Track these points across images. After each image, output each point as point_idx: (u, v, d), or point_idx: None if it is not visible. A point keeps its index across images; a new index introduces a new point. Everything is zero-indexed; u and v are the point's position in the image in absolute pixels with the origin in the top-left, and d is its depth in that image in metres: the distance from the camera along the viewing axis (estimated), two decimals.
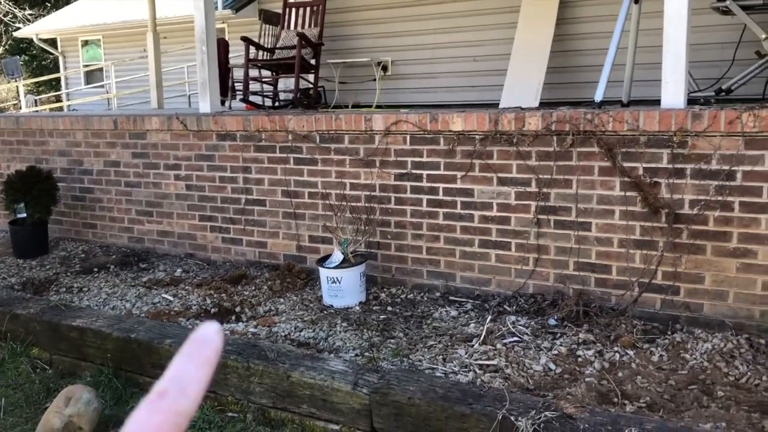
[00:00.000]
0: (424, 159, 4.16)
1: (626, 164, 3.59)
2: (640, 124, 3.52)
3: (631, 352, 3.20)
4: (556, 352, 3.24)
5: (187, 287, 4.47)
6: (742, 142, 3.31)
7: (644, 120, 3.52)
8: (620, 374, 3.00)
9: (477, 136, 3.95)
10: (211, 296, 4.25)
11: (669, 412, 2.67)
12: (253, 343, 3.28)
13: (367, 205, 4.38)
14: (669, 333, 3.41)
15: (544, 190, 3.80)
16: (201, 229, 5.12)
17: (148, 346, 3.35)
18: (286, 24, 7.34)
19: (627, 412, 2.64)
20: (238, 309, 4.04)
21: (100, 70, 17.77)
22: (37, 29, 19.00)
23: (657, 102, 3.78)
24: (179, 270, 4.87)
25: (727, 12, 4.62)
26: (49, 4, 23.63)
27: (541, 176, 3.80)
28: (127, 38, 16.89)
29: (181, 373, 0.41)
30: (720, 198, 3.39)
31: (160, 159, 5.21)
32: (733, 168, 3.34)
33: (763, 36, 4.48)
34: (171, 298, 4.27)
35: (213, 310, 4.03)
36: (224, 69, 7.18)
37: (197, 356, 0.43)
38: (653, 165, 3.53)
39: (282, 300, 4.18)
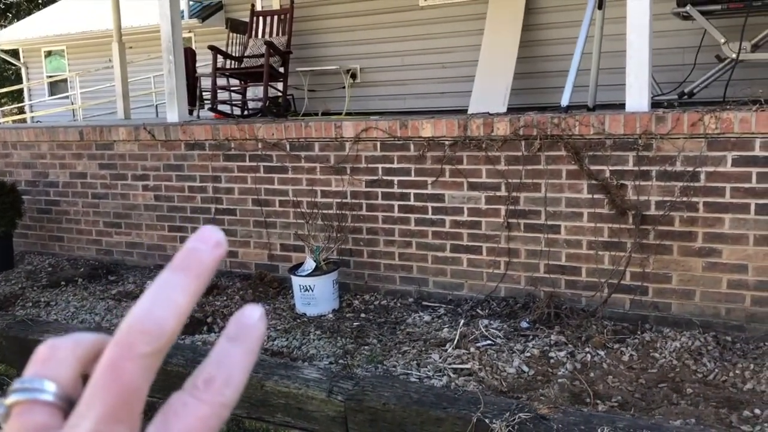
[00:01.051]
0: (395, 165, 4.18)
1: (593, 167, 3.65)
2: (606, 127, 3.58)
3: (602, 353, 3.25)
4: (528, 354, 3.27)
5: None
6: (705, 144, 3.39)
7: (610, 123, 3.58)
8: (592, 374, 3.04)
9: (447, 142, 3.98)
10: None
11: (640, 411, 2.71)
12: None
13: (338, 212, 4.38)
14: (639, 333, 3.46)
15: (514, 194, 3.84)
16: (171, 240, 5.07)
17: None
18: (253, 33, 7.32)
19: (599, 411, 2.68)
20: (209, 320, 4.00)
21: (65, 80, 17.51)
22: None
23: (622, 106, 3.86)
24: (149, 282, 4.80)
25: (687, 17, 4.73)
26: (10, 14, 23.24)
27: (510, 180, 3.84)
28: (92, 48, 16.68)
29: (227, 358, 0.35)
30: (685, 199, 3.46)
31: (128, 170, 5.14)
32: (696, 169, 3.41)
33: (723, 40, 4.60)
34: None
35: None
36: (192, 78, 7.13)
37: (243, 340, 0.37)
38: (619, 167, 3.60)
39: None
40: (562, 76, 6.06)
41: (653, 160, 3.51)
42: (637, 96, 3.73)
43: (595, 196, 3.66)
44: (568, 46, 6.05)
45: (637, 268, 3.60)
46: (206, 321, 3.98)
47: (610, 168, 3.61)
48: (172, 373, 3.14)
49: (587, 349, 3.29)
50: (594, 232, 3.69)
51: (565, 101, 4.27)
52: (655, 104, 3.92)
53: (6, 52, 18.81)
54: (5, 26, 20.72)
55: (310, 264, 4.16)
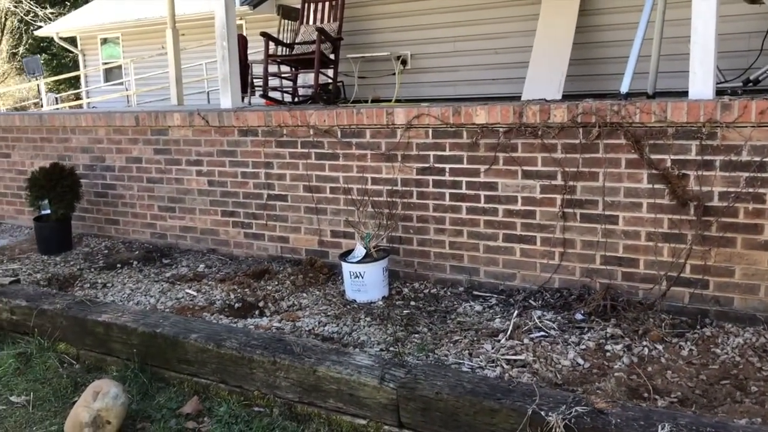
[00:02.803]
0: (447, 153, 4.13)
1: (654, 156, 3.54)
2: (668, 115, 3.47)
3: (660, 347, 3.16)
4: (584, 346, 3.20)
5: (210, 282, 4.48)
6: None
7: (672, 111, 3.46)
8: (650, 369, 2.96)
9: (501, 129, 3.91)
10: (235, 291, 4.26)
11: (701, 408, 2.62)
12: (278, 338, 3.27)
13: (388, 199, 4.36)
14: (698, 327, 3.36)
15: (570, 183, 3.76)
16: (223, 225, 5.13)
17: (174, 341, 3.36)
18: (305, 19, 7.33)
19: (659, 407, 2.61)
20: (261, 304, 4.04)
21: (119, 67, 17.89)
22: (57, 28, 19.16)
23: (683, 93, 3.73)
24: (202, 265, 4.89)
25: (755, 1, 4.53)
26: (68, 3, 23.83)
27: (567, 169, 3.76)
28: (146, 35, 16.99)
29: None
30: (751, 190, 3.32)
31: (182, 155, 5.22)
32: (764, 159, 3.28)
33: None
34: (195, 294, 4.28)
35: (237, 305, 4.03)
36: (244, 65, 7.19)
37: None
38: (681, 157, 3.48)
39: (305, 295, 4.18)
40: (619, 62, 5.92)
41: (717, 150, 3.39)
42: (701, 83, 3.59)
43: (656, 186, 3.55)
44: (625, 32, 5.90)
45: (698, 261, 3.49)
46: (258, 305, 4.02)
47: (672, 157, 3.50)
48: (226, 356, 3.19)
49: (644, 343, 3.20)
50: (653, 223, 3.58)
51: (624, 88, 4.15)
52: (718, 92, 3.77)
53: (64, 39, 19.32)
54: (64, 14, 21.26)
55: (360, 251, 4.15)
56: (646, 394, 2.75)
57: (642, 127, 3.54)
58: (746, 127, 3.30)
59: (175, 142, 5.23)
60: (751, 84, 4.64)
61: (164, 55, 10.75)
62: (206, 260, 5.01)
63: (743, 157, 3.33)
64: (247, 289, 4.28)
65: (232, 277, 4.54)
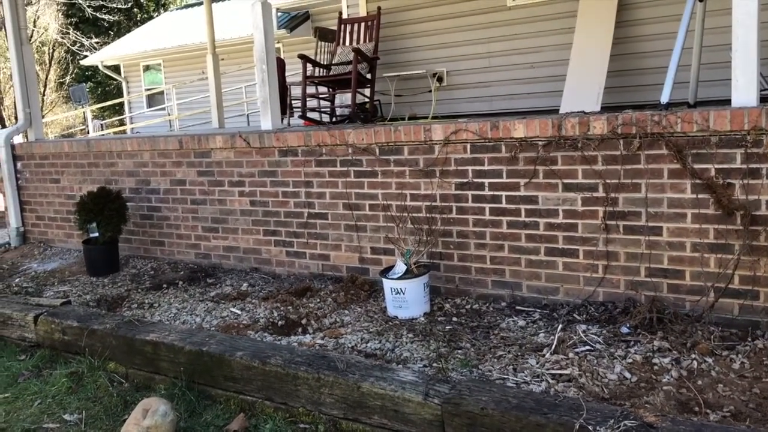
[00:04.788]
0: (486, 167, 4.14)
1: (697, 166, 3.49)
2: (710, 124, 3.42)
3: (709, 360, 3.09)
4: (630, 360, 3.15)
5: (253, 301, 4.54)
6: None
7: (715, 120, 3.41)
8: (700, 382, 2.90)
9: (540, 142, 3.90)
10: (278, 309, 4.31)
11: (756, 422, 2.56)
12: (322, 354, 3.30)
13: (428, 215, 4.38)
14: (749, 339, 3.28)
15: (612, 194, 3.72)
16: (265, 244, 5.21)
17: (220, 359, 3.41)
18: (341, 40, 7.44)
19: (711, 421, 2.55)
20: (304, 321, 4.08)
21: (161, 93, 18.37)
22: (101, 57, 19.78)
23: (725, 102, 3.67)
24: (245, 284, 4.96)
25: None
26: (112, 32, 24.57)
27: (608, 181, 3.72)
28: (187, 61, 17.44)
29: None
30: None
31: (225, 176, 5.33)
32: None
33: None
34: (239, 312, 4.34)
35: (280, 322, 4.08)
36: (282, 87, 7.32)
37: None
38: (726, 166, 3.42)
39: (347, 312, 4.20)
40: (658, 73, 5.86)
41: (764, 157, 3.32)
42: (744, 91, 3.53)
43: (700, 196, 3.50)
44: (663, 42, 5.84)
45: (747, 272, 3.41)
46: (301, 323, 4.06)
47: (716, 166, 3.44)
48: (271, 373, 3.22)
49: (693, 356, 3.13)
50: (699, 234, 3.52)
51: (665, 98, 4.10)
52: (762, 99, 3.70)
53: (108, 67, 19.91)
54: (108, 43, 21.94)
55: (400, 267, 4.17)
56: (696, 408, 2.69)
57: (684, 136, 3.50)
58: None
59: (218, 163, 5.35)
60: None
61: (205, 80, 11.00)
62: (249, 279, 5.09)
63: None
64: (289, 307, 4.33)
65: (275, 295, 4.59)
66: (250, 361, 3.30)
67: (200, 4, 18.38)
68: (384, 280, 4.13)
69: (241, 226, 5.31)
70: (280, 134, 4.97)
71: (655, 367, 3.07)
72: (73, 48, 23.48)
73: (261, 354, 3.34)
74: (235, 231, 5.36)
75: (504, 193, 4.09)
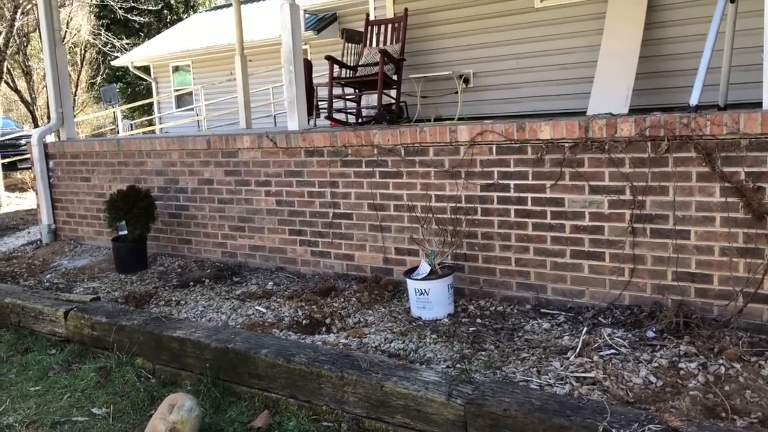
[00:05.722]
0: (511, 169, 4.12)
1: (726, 169, 3.44)
2: (740, 126, 3.37)
3: (737, 365, 3.05)
4: (656, 364, 3.12)
5: (278, 299, 4.58)
6: None
7: (745, 123, 3.36)
8: (727, 388, 2.86)
9: (566, 144, 3.88)
10: (302, 308, 4.34)
11: None
12: (345, 354, 3.32)
13: (453, 216, 4.38)
14: None
15: (639, 197, 3.69)
16: (291, 243, 5.25)
17: (245, 357, 3.45)
18: (368, 42, 7.46)
19: (738, 427, 2.51)
20: (328, 320, 4.11)
21: (190, 93, 18.58)
22: (132, 58, 20.06)
23: (756, 105, 3.62)
24: (270, 283, 5.00)
25: None
26: (142, 34, 24.92)
27: (635, 183, 3.69)
28: (215, 62, 17.62)
29: None
30: None
31: (252, 176, 5.38)
32: None
33: None
34: (264, 310, 4.39)
35: (305, 321, 4.11)
36: (309, 88, 7.36)
37: None
38: (756, 169, 3.37)
39: (370, 312, 4.22)
40: (687, 75, 5.79)
41: None
42: None
43: (729, 199, 3.45)
44: (693, 44, 5.77)
45: None
46: (325, 322, 4.08)
47: (746, 170, 3.40)
48: (295, 371, 3.25)
49: (720, 361, 3.09)
50: (727, 238, 3.48)
51: (694, 100, 4.05)
52: None
53: (138, 68, 20.19)
54: (138, 45, 22.26)
55: (424, 268, 4.17)
56: (723, 414, 2.66)
57: (713, 139, 3.46)
58: None
59: (245, 163, 5.40)
60: None
61: (233, 81, 11.12)
62: (274, 278, 5.13)
63: None
64: (314, 306, 4.36)
65: (300, 294, 4.63)
66: (275, 359, 3.33)
67: (229, 5, 18.58)
68: (408, 280, 4.14)
69: (267, 226, 5.36)
70: (307, 135, 5.01)
71: (681, 372, 3.03)
72: (104, 49, 23.87)
73: (285, 352, 3.37)
74: (261, 230, 5.41)
75: (530, 195, 4.07)
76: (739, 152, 3.41)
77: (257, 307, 4.46)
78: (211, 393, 3.50)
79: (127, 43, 23.23)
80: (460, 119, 6.85)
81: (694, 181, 3.54)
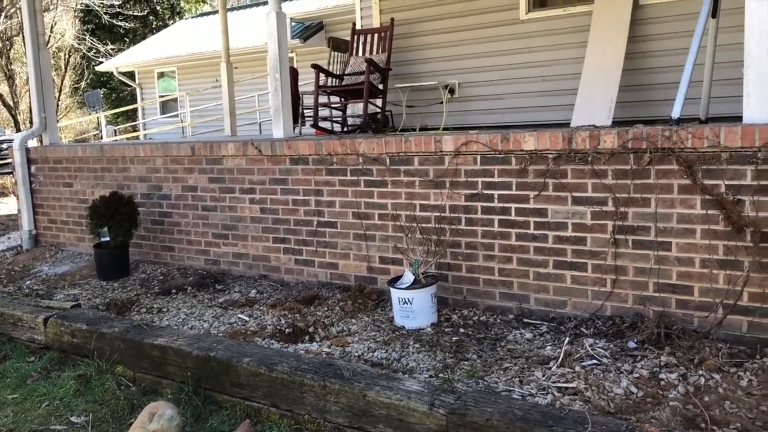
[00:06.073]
0: (495, 179, 4.15)
1: (707, 182, 3.48)
2: (721, 140, 3.42)
3: (717, 376, 3.08)
4: (637, 375, 3.14)
5: (261, 308, 4.56)
6: None
7: (726, 136, 3.41)
8: (706, 399, 2.89)
9: (550, 155, 3.91)
10: (285, 317, 4.32)
11: None
12: (328, 363, 3.31)
13: (437, 226, 4.39)
14: (758, 357, 3.26)
15: (622, 209, 3.72)
16: (275, 251, 5.23)
17: (227, 365, 3.43)
18: (354, 51, 7.48)
19: None
20: (311, 329, 4.09)
21: (175, 100, 18.51)
22: (116, 63, 19.96)
23: (737, 118, 3.67)
24: (254, 291, 4.98)
25: None
26: (127, 39, 24.79)
27: (617, 195, 3.73)
28: (200, 69, 17.57)
29: None
30: None
31: (236, 183, 5.36)
32: None
33: None
34: (247, 319, 4.36)
35: (287, 330, 4.09)
36: (295, 96, 7.37)
37: None
38: (736, 182, 3.42)
39: (354, 321, 4.21)
40: (670, 88, 5.86)
41: None
42: (756, 107, 3.53)
43: (710, 211, 3.49)
44: (675, 58, 5.84)
45: (756, 289, 3.40)
46: (308, 330, 4.07)
47: (726, 182, 3.44)
48: (277, 380, 3.23)
49: (700, 372, 3.12)
50: (708, 250, 3.52)
51: (676, 113, 4.10)
52: None
53: (123, 74, 20.09)
54: (123, 50, 22.15)
55: (408, 277, 4.18)
56: (703, 425, 2.68)
57: (694, 152, 3.50)
58: None
59: (229, 171, 5.39)
60: None
61: (218, 88, 11.09)
62: (258, 286, 5.11)
63: None
64: (297, 315, 4.34)
65: (283, 302, 4.61)
66: (257, 368, 3.31)
67: (215, 12, 18.56)
68: (392, 289, 4.14)
69: (251, 234, 5.34)
70: (292, 142, 5.01)
71: (662, 383, 3.06)
72: (88, 54, 23.72)
73: (268, 361, 3.36)
74: (244, 238, 5.39)
75: (513, 206, 4.10)
76: (719, 165, 3.45)
77: (240, 315, 4.43)
78: (192, 401, 3.47)
79: (112, 49, 23.11)
80: (445, 129, 6.88)
81: (676, 193, 3.58)
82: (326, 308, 4.44)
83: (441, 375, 3.29)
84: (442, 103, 7.28)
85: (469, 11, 7.05)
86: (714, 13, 4.46)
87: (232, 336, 4.03)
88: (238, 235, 5.43)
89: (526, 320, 4.02)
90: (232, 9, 19.37)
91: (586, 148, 3.77)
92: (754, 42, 3.52)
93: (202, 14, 23.24)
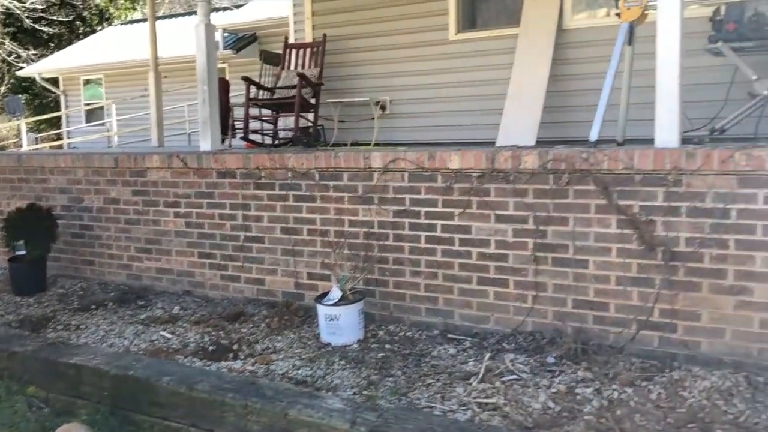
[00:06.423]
0: (422, 196, 4.20)
1: (622, 202, 3.63)
2: (635, 163, 3.57)
3: (629, 390, 3.20)
4: (554, 390, 3.23)
5: (185, 325, 4.47)
6: (736, 181, 3.36)
7: (639, 159, 3.57)
8: (619, 412, 2.99)
9: (474, 174, 4.00)
10: (209, 334, 4.24)
11: None
12: (251, 381, 3.27)
13: (365, 241, 4.41)
14: (667, 371, 3.40)
15: (542, 227, 3.83)
16: (200, 267, 5.13)
17: (146, 384, 3.34)
18: (286, 64, 7.46)
19: None
20: (236, 347, 4.03)
21: (101, 108, 17.96)
22: (39, 69, 19.25)
23: (652, 141, 3.85)
24: (177, 307, 4.87)
25: (719, 54, 4.72)
26: (52, 44, 23.94)
27: (538, 214, 3.84)
28: (128, 77, 17.12)
29: None
30: (715, 236, 3.42)
31: (160, 196, 5.25)
32: (727, 206, 3.38)
33: (754, 77, 4.57)
34: (169, 336, 4.26)
35: (211, 347, 4.01)
36: (225, 108, 7.27)
37: None
38: (648, 203, 3.57)
39: (280, 338, 4.17)
40: (591, 110, 6.05)
41: (683, 196, 3.49)
42: (667, 131, 3.72)
43: (624, 231, 3.64)
44: (597, 81, 6.04)
45: (666, 305, 3.56)
46: (232, 348, 4.01)
47: (639, 203, 3.59)
48: (197, 399, 3.17)
49: (614, 386, 3.24)
50: (622, 268, 3.66)
51: (594, 136, 4.27)
52: (685, 140, 3.90)
53: (47, 80, 19.38)
54: (47, 56, 21.37)
55: (336, 293, 4.17)
56: None
57: (610, 174, 3.65)
58: (709, 174, 3.41)
59: (154, 183, 5.27)
60: (717, 132, 4.78)
61: (147, 97, 10.83)
62: (182, 302, 5.00)
63: (707, 204, 3.43)
64: (221, 332, 4.27)
65: (207, 319, 4.53)
66: (177, 387, 3.24)
67: (145, 20, 18.16)
68: (319, 306, 4.13)
69: (175, 248, 5.23)
70: (219, 156, 4.94)
71: (578, 397, 3.15)
72: (8, 59, 22.79)
73: (189, 379, 3.29)
74: (168, 252, 5.27)
75: (439, 222, 4.16)
76: (633, 187, 3.61)
77: (162, 333, 4.32)
78: (108, 422, 3.36)
79: (35, 54, 22.27)
80: (376, 145, 6.93)
81: (593, 213, 3.71)
82: (252, 325, 4.39)
83: (365, 392, 3.29)
84: (373, 119, 7.33)
85: (400, 30, 7.14)
86: (630, 40, 4.67)
87: (153, 354, 3.92)
88: (162, 250, 5.30)
89: (450, 336, 4.07)
90: (163, 17, 19.01)
91: (508, 168, 3.88)
92: (665, 69, 3.71)
93: (132, 21, 22.71)
